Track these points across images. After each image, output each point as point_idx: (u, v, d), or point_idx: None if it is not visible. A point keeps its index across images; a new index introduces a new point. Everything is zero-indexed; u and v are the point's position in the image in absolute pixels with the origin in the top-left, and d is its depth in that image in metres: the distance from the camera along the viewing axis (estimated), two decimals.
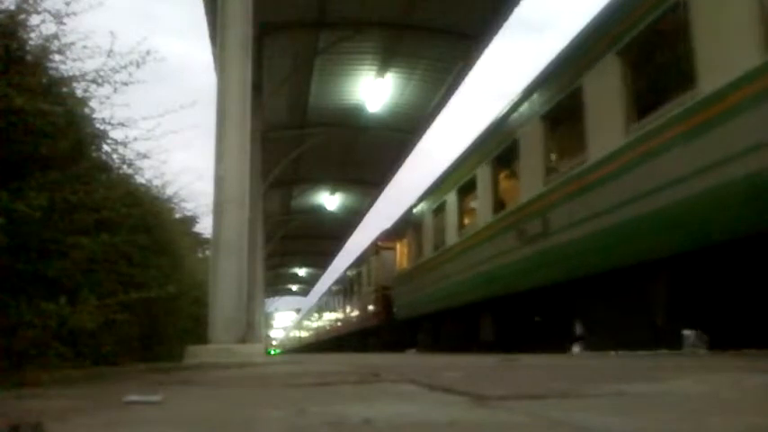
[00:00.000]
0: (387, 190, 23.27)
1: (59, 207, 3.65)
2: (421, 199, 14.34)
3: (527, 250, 8.15)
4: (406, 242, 15.69)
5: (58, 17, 3.85)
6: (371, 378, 3.13)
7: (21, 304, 3.44)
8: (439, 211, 12.82)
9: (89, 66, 4.11)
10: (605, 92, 6.44)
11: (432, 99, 16.16)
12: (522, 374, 3.36)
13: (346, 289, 25.07)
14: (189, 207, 8.22)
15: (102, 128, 4.51)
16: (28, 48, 3.81)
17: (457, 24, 12.86)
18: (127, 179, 5.50)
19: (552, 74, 7.84)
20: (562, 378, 2.91)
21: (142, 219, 5.43)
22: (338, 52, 13.83)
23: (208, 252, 8.53)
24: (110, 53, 4.16)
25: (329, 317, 30.98)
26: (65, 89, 4.12)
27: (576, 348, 8.41)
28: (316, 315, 37.98)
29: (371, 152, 19.70)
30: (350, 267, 24.69)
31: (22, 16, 3.71)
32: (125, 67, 4.23)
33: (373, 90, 15.43)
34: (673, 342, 5.72)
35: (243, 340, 6.38)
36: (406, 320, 15.29)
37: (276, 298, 55.09)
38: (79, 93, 4.25)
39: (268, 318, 50.95)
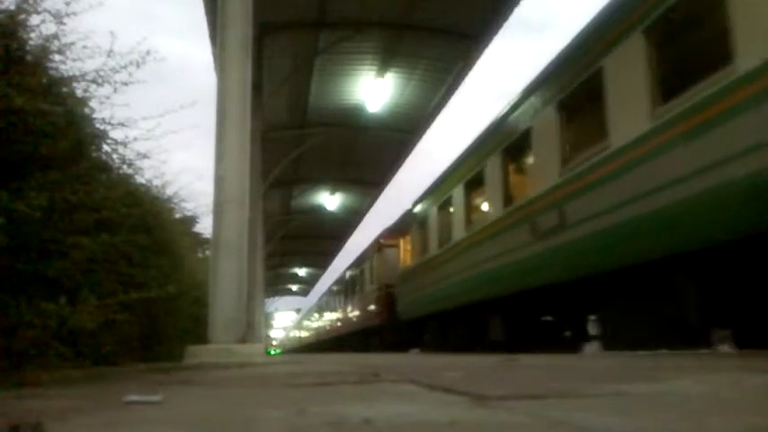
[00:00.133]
0: (387, 190, 23.29)
1: (59, 207, 3.65)
2: (425, 194, 13.90)
3: (540, 245, 7.73)
4: (410, 239, 15.28)
5: (58, 17, 3.86)
6: (372, 378, 3.13)
7: (21, 304, 3.45)
8: (445, 206, 12.33)
9: (89, 66, 4.12)
10: (629, 73, 6.02)
11: (432, 99, 16.17)
12: (522, 374, 3.36)
13: (347, 288, 24.75)
14: (189, 207, 8.24)
15: (102, 128, 4.52)
16: (28, 48, 3.81)
17: (457, 24, 12.87)
18: (127, 179, 5.50)
19: (569, 57, 7.35)
20: (562, 378, 2.91)
21: (142, 219, 5.43)
22: (338, 52, 13.83)
23: (208, 252, 8.54)
24: (110, 53, 4.17)
25: (330, 317, 30.71)
26: (65, 89, 4.12)
27: (590, 348, 8.28)
28: (316, 315, 37.88)
29: (371, 152, 19.70)
30: (351, 266, 24.37)
31: (22, 16, 3.71)
32: (125, 67, 4.24)
33: (373, 90, 15.43)
34: (701, 341, 5.47)
35: (243, 340, 6.38)
36: (410, 320, 14.91)
37: (276, 298, 55.12)
38: (79, 93, 4.26)
39: (268, 318, 50.96)
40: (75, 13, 3.92)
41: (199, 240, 9.47)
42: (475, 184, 10.68)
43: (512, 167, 9.34)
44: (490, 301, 9.63)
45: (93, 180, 4.27)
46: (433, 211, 13.05)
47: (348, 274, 24.91)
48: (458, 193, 11.47)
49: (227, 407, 1.99)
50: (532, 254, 7.94)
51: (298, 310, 60.42)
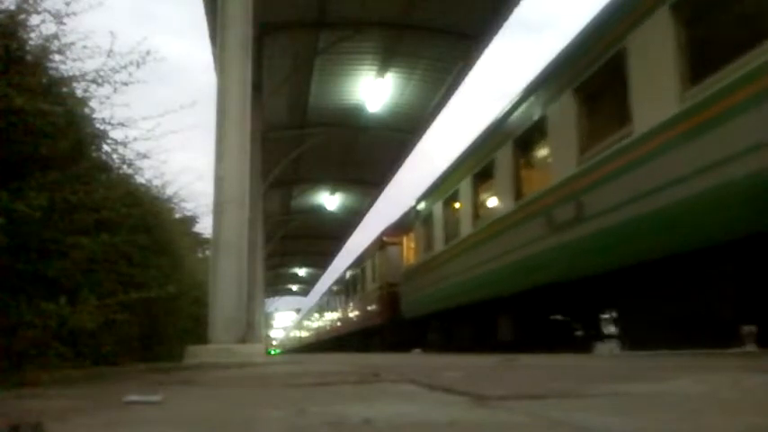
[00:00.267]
0: (387, 190, 23.30)
1: (59, 207, 3.65)
2: (430, 189, 13.41)
3: (555, 240, 7.32)
4: (414, 236, 14.77)
5: (58, 17, 3.86)
6: (372, 378, 3.13)
7: (21, 304, 3.45)
8: (451, 200, 11.84)
9: (89, 66, 4.12)
10: (655, 53, 5.63)
11: (432, 99, 16.17)
12: (522, 374, 3.36)
13: (348, 287, 24.44)
14: (189, 207, 8.25)
15: (102, 128, 4.52)
16: (28, 48, 3.81)
17: (457, 24, 12.87)
18: (127, 179, 5.50)
19: (588, 39, 6.91)
20: (562, 378, 2.91)
21: (142, 219, 5.43)
22: (338, 52, 13.83)
23: (208, 252, 8.54)
24: (110, 53, 4.17)
25: (330, 316, 30.52)
26: (65, 89, 4.12)
27: (604, 348, 8.10)
28: (316, 315, 37.81)
29: (371, 152, 19.71)
30: (352, 264, 24.06)
31: (22, 16, 3.71)
32: (125, 67, 4.24)
33: (373, 90, 15.43)
34: (731, 339, 5.17)
35: (243, 340, 6.39)
36: (414, 319, 14.47)
37: (276, 298, 55.13)
38: (79, 93, 4.26)
39: (268, 318, 50.98)
40: (75, 13, 3.92)
41: (199, 240, 9.48)
42: (483, 178, 10.24)
43: (524, 159, 8.87)
44: (499, 300, 9.28)
45: (93, 180, 4.27)
46: (439, 206, 12.61)
47: (349, 272, 24.63)
48: (465, 188, 11.00)
49: (228, 407, 1.99)
50: (546, 248, 7.54)
51: (298, 310, 60.45)
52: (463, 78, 14.98)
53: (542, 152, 8.17)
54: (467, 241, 10.72)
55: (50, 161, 3.71)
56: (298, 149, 17.98)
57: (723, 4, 5.24)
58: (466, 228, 10.85)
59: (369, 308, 20.04)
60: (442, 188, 12.46)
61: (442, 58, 14.20)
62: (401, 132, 18.15)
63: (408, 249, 15.61)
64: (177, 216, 8.06)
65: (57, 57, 3.97)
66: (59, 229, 3.75)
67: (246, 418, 1.70)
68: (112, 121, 4.47)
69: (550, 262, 7.50)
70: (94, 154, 4.66)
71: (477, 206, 10.64)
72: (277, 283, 45.41)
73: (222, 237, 6.60)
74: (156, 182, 6.78)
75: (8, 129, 3.40)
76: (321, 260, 37.40)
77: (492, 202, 10.05)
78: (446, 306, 11.81)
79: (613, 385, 2.25)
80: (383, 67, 14.64)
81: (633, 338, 6.59)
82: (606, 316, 7.92)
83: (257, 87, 11.34)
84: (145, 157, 5.09)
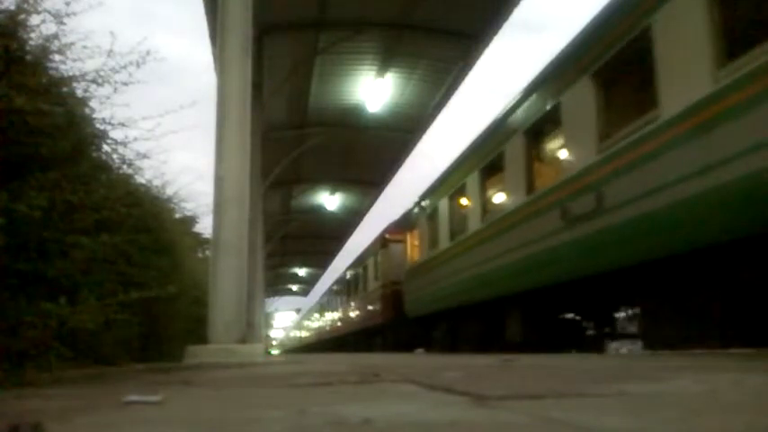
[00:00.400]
0: (387, 190, 23.29)
1: (59, 207, 3.65)
2: (435, 185, 13.07)
3: (571, 234, 6.94)
4: (418, 233, 14.48)
5: (58, 17, 3.86)
6: (372, 378, 3.13)
7: (21, 304, 3.45)
8: (457, 196, 11.51)
9: (89, 66, 4.12)
10: (685, 29, 5.23)
11: (432, 99, 16.17)
12: (522, 374, 3.36)
13: (350, 286, 24.18)
14: (189, 207, 8.26)
15: (102, 128, 4.52)
16: (28, 48, 3.81)
17: (457, 24, 12.86)
18: (127, 179, 5.51)
19: (609, 19, 6.50)
20: (562, 378, 2.91)
21: (142, 219, 5.43)
22: (338, 52, 13.83)
23: (208, 252, 8.54)
24: (110, 53, 4.17)
25: (331, 316, 30.35)
26: (65, 89, 4.13)
27: (621, 347, 7.84)
28: (317, 314, 37.73)
29: (371, 152, 19.70)
30: (354, 263, 23.80)
31: (22, 16, 3.72)
32: (125, 67, 4.24)
33: (373, 90, 15.42)
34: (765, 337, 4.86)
35: (243, 340, 6.38)
36: (417, 318, 14.23)
37: (276, 298, 55.13)
38: (79, 93, 4.26)
39: (268, 318, 50.98)
40: (75, 13, 3.92)
41: (199, 240, 9.48)
42: (492, 171, 9.86)
43: (536, 149, 8.48)
44: (508, 297, 8.96)
45: (93, 180, 4.27)
46: (444, 202, 12.27)
47: (350, 271, 24.39)
48: (472, 182, 10.60)
49: (228, 407, 1.99)
50: (561, 243, 7.16)
51: (298, 310, 60.45)
52: (463, 78, 14.97)
53: (556, 142, 7.77)
54: (474, 237, 10.36)
55: (50, 161, 3.71)
56: (298, 149, 17.97)
57: None
58: (473, 223, 10.50)
59: (371, 307, 19.72)
60: (448, 183, 12.11)
61: (442, 58, 14.19)
62: (401, 132, 18.14)
63: (412, 247, 15.31)
64: (177, 216, 8.07)
65: (57, 57, 3.97)
66: (59, 229, 3.75)
67: (246, 417, 1.70)
68: (112, 121, 4.47)
69: (565, 257, 7.15)
70: (94, 154, 4.67)
71: (486, 201, 10.29)
72: (277, 283, 45.40)
73: (222, 237, 6.60)
74: (157, 182, 6.81)
75: (8, 129, 3.40)
76: (321, 260, 37.39)
77: (501, 196, 9.71)
78: (452, 304, 11.49)
79: (613, 385, 2.25)
80: (383, 67, 14.64)
81: (657, 337, 6.25)
82: (622, 314, 7.67)
83: (257, 87, 11.33)
84: (145, 157, 5.09)
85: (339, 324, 27.23)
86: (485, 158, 10.08)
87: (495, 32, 12.99)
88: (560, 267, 7.28)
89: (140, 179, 6.04)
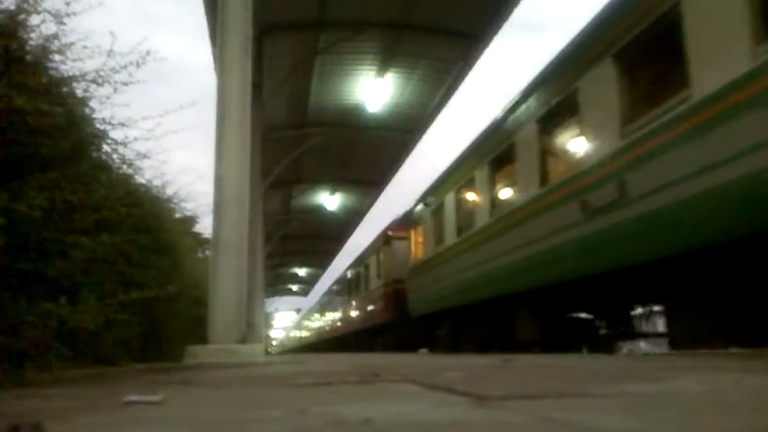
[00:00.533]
0: (387, 190, 23.30)
1: (59, 207, 3.65)
2: (441, 179, 12.61)
3: (589, 227, 6.57)
4: (422, 230, 14.03)
5: (58, 17, 3.86)
6: (372, 378, 3.13)
7: (21, 304, 3.45)
8: (465, 190, 11.07)
9: (89, 66, 4.13)
10: (721, 4, 4.95)
11: (432, 99, 16.18)
12: (522, 375, 3.35)
13: (351, 285, 23.87)
14: (189, 207, 8.27)
15: (102, 128, 4.52)
16: (28, 48, 3.82)
17: (457, 24, 12.87)
18: (127, 179, 5.51)
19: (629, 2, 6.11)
20: (563, 378, 2.91)
21: (142, 219, 5.44)
22: (338, 52, 13.84)
23: (208, 252, 8.55)
24: (110, 53, 4.17)
25: (332, 315, 30.13)
26: (65, 89, 4.13)
27: (637, 346, 7.62)
28: (317, 314, 37.63)
29: (371, 152, 19.71)
30: (355, 262, 23.49)
31: (22, 16, 3.72)
32: (125, 67, 4.24)
33: (373, 90, 15.43)
34: None
35: (243, 340, 6.38)
36: (421, 317, 13.79)
37: (276, 298, 55.16)
38: (79, 93, 4.26)
39: (268, 318, 51.00)
40: (75, 13, 3.92)
41: (199, 240, 9.49)
42: (502, 163, 9.42)
43: (550, 138, 8.03)
44: (518, 295, 8.58)
45: (93, 180, 4.28)
46: (451, 197, 11.80)
47: (352, 270, 24.13)
48: (481, 175, 10.15)
49: (228, 407, 1.99)
50: (579, 237, 6.79)
51: (298, 310, 60.46)
52: (463, 78, 14.99)
53: (573, 130, 7.36)
54: (482, 233, 9.92)
55: (50, 161, 3.72)
56: (298, 149, 17.98)
57: None
58: (481, 218, 10.07)
59: (373, 306, 19.36)
60: (454, 177, 11.69)
61: (442, 58, 14.20)
62: (401, 132, 18.15)
63: (416, 244, 14.81)
64: (177, 216, 8.08)
65: (57, 57, 3.98)
66: (59, 229, 3.75)
67: (246, 417, 1.70)
68: (112, 121, 4.47)
69: (583, 251, 6.77)
70: (94, 154, 4.67)
71: (495, 195, 9.85)
72: (277, 283, 45.42)
73: (222, 237, 6.60)
74: (157, 182, 6.82)
75: (8, 129, 3.41)
76: (321, 260, 37.41)
77: (512, 189, 9.28)
78: (457, 303, 11.13)
79: (614, 385, 2.25)
80: (383, 67, 14.64)
81: (685, 336, 5.90)
82: (639, 311, 7.38)
83: (257, 87, 11.34)
84: (145, 157, 5.10)
85: (340, 324, 27.06)
86: (494, 150, 9.64)
87: (495, 32, 13.01)
88: (577, 262, 6.88)
89: (140, 179, 6.05)
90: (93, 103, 4.37)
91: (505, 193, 9.72)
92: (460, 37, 13.27)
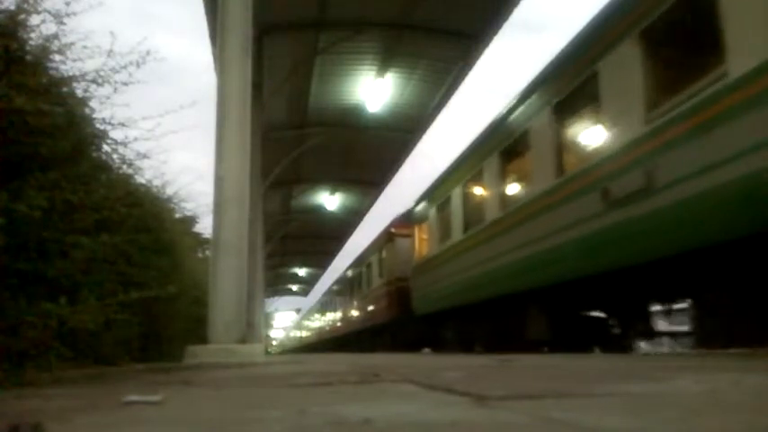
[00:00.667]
0: (387, 190, 23.30)
1: (59, 207, 3.65)
2: (446, 174, 12.16)
3: (611, 218, 6.19)
4: (427, 226, 13.64)
5: (58, 17, 3.86)
6: (372, 378, 3.13)
7: (21, 304, 3.45)
8: (472, 183, 10.64)
9: (89, 66, 4.13)
10: None
11: (432, 99, 16.18)
12: (522, 374, 3.35)
13: (353, 283, 23.57)
14: (189, 207, 8.27)
15: (102, 128, 4.52)
16: (28, 48, 3.82)
17: (457, 24, 12.87)
18: (127, 179, 5.51)
19: None
20: (562, 378, 2.91)
21: (142, 219, 5.44)
22: (338, 52, 13.84)
23: (208, 252, 8.55)
24: (110, 53, 4.17)
25: (333, 315, 29.92)
26: (65, 89, 4.13)
27: (655, 346, 7.40)
28: (318, 314, 37.53)
29: (371, 152, 19.71)
30: (357, 260, 23.19)
31: (22, 16, 3.72)
32: (125, 67, 4.24)
33: (373, 90, 15.43)
34: None
35: (243, 340, 6.38)
36: (426, 316, 13.47)
37: (276, 298, 55.17)
38: (79, 93, 4.26)
39: (268, 318, 51.00)
40: (75, 13, 3.92)
41: (199, 240, 9.49)
42: (514, 153, 9.01)
43: (566, 126, 7.57)
44: (529, 293, 8.23)
45: (93, 180, 4.28)
46: (458, 191, 11.37)
47: (354, 268, 23.90)
48: (490, 168, 9.67)
49: (227, 407, 1.99)
50: (601, 229, 6.37)
51: (298, 310, 60.47)
52: (463, 78, 14.99)
53: (593, 115, 6.93)
54: (491, 228, 9.50)
55: (50, 161, 3.72)
56: (298, 149, 17.98)
57: None
58: (491, 212, 9.62)
59: (375, 305, 19.01)
60: (462, 170, 11.26)
61: (442, 58, 14.20)
62: (401, 132, 18.15)
63: (420, 241, 14.44)
64: (177, 216, 8.08)
65: (57, 57, 3.98)
66: (59, 229, 3.76)
67: (246, 417, 1.70)
68: (112, 121, 4.47)
69: (604, 245, 6.38)
70: (94, 154, 4.67)
71: (506, 187, 9.38)
72: (277, 283, 45.42)
73: (222, 237, 6.60)
74: (157, 182, 6.82)
75: (8, 129, 3.41)
76: (321, 260, 37.41)
77: (525, 180, 8.78)
78: (465, 301, 10.73)
79: (613, 385, 2.25)
80: (383, 67, 14.64)
81: (715, 334, 5.57)
82: (658, 308, 7.04)
83: (257, 87, 11.34)
84: (145, 157, 5.10)
85: (341, 324, 26.88)
86: (505, 140, 9.16)
87: (495, 32, 13.01)
88: (598, 257, 6.49)
89: (140, 179, 6.05)
90: (93, 103, 4.38)
91: (517, 186, 9.27)
92: (460, 37, 13.27)
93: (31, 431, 1.38)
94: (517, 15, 12.43)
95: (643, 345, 7.60)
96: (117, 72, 4.21)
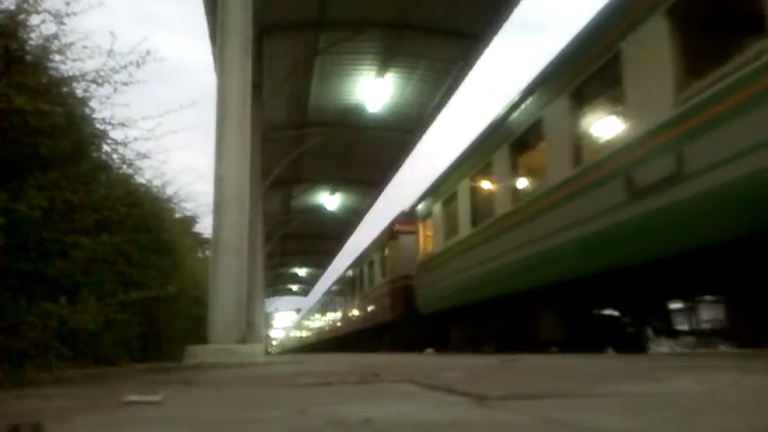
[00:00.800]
0: (387, 190, 23.30)
1: (59, 207, 3.65)
2: (453, 167, 11.76)
3: (639, 207, 5.77)
4: (432, 222, 13.26)
5: (58, 17, 3.86)
6: (372, 378, 3.13)
7: (21, 304, 3.45)
8: (481, 176, 10.27)
9: (89, 66, 4.13)
10: None
11: (432, 99, 16.19)
12: (522, 374, 3.35)
13: (355, 282, 23.20)
14: (189, 207, 8.27)
15: (102, 128, 4.52)
16: (28, 48, 3.82)
17: (457, 24, 12.88)
18: (127, 179, 5.51)
19: None
20: (562, 378, 2.91)
21: (142, 219, 5.44)
22: (338, 52, 13.84)
23: (208, 252, 8.55)
24: (110, 53, 4.17)
25: (334, 314, 29.68)
26: (65, 89, 4.13)
27: (675, 345, 7.14)
28: (318, 314, 37.45)
29: (371, 152, 19.72)
30: (358, 259, 22.91)
31: (22, 16, 3.72)
32: (125, 67, 4.24)
33: (373, 90, 15.44)
34: None
35: (243, 340, 6.39)
36: (431, 315, 13.12)
37: (276, 298, 55.17)
38: (79, 93, 4.26)
39: (268, 318, 51.00)
40: (75, 13, 3.92)
41: (199, 240, 9.49)
42: (526, 144, 8.65)
43: (585, 112, 7.17)
44: (542, 290, 7.83)
45: (93, 180, 4.28)
46: (465, 184, 10.98)
47: (355, 267, 23.58)
48: (500, 159, 9.26)
49: (227, 407, 1.99)
50: (626, 220, 5.97)
51: (298, 310, 60.47)
52: (463, 78, 15.00)
53: (614, 101, 6.55)
54: (502, 222, 9.13)
55: (50, 161, 3.72)
56: (298, 149, 17.99)
57: None
58: (501, 206, 9.22)
59: (378, 304, 18.62)
60: (469, 163, 10.88)
61: (442, 58, 14.21)
62: (401, 132, 18.16)
63: (425, 237, 14.00)
64: (177, 216, 8.08)
65: (57, 57, 3.98)
66: (59, 229, 3.76)
67: (246, 417, 1.70)
68: (112, 121, 4.48)
69: (627, 238, 5.99)
70: (94, 154, 4.67)
71: (517, 179, 9.01)
72: (277, 283, 45.43)
73: (222, 237, 6.60)
74: (157, 182, 6.82)
75: (8, 129, 3.41)
76: (321, 260, 37.42)
77: (538, 172, 8.34)
78: (473, 299, 10.35)
79: (613, 385, 2.25)
80: (383, 67, 14.65)
81: (751, 333, 5.22)
82: (679, 305, 6.77)
83: (257, 87, 11.34)
84: (145, 157, 5.10)
85: (342, 323, 26.79)
86: (517, 130, 8.75)
87: (495, 32, 13.01)
88: (619, 251, 6.12)
89: (140, 179, 6.05)
90: (93, 103, 4.38)
91: (530, 177, 8.89)
92: (460, 37, 13.28)
93: (31, 431, 1.38)
94: (517, 15, 12.45)
95: (660, 344, 7.34)
96: (117, 72, 4.22)
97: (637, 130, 5.94)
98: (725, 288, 5.71)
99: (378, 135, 18.38)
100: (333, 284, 30.98)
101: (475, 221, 10.50)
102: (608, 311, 7.91)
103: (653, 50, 5.67)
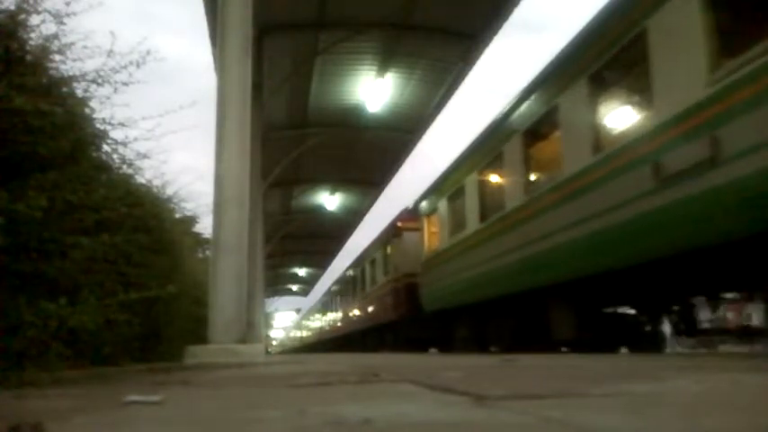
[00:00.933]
0: (387, 190, 23.31)
1: (59, 207, 3.65)
2: (459, 161, 11.36)
3: (667, 195, 5.33)
4: (437, 218, 12.90)
5: (58, 17, 3.86)
6: (372, 378, 3.13)
7: (21, 304, 3.45)
8: (490, 169, 9.92)
9: (89, 66, 4.13)
10: None
11: (432, 99, 16.20)
12: (522, 374, 3.35)
13: (357, 281, 22.87)
14: (189, 207, 8.26)
15: (102, 128, 4.52)
16: (28, 48, 3.82)
17: (457, 24, 12.88)
18: (127, 179, 5.51)
19: None
20: (562, 378, 2.91)
21: (142, 219, 5.43)
22: (338, 52, 13.85)
23: (208, 252, 8.54)
24: (110, 53, 4.17)
25: (335, 314, 29.46)
26: (65, 89, 4.13)
27: (697, 344, 6.88)
28: (319, 314, 37.36)
29: (371, 152, 19.73)
30: (359, 258, 22.58)
31: (22, 16, 3.72)
32: (125, 67, 4.24)
33: (373, 90, 15.45)
34: None
35: (243, 340, 6.38)
36: (437, 314, 12.78)
37: (276, 298, 55.18)
38: (79, 93, 4.26)
39: (268, 318, 51.00)
40: (75, 13, 3.92)
41: (199, 240, 9.48)
42: (539, 133, 8.25)
43: (605, 99, 6.80)
44: (555, 287, 7.49)
45: (93, 180, 4.27)
46: (473, 178, 10.58)
47: (356, 266, 23.27)
48: (511, 150, 8.87)
49: (227, 407, 1.99)
50: (654, 209, 5.53)
51: (298, 310, 60.46)
52: (463, 78, 15.01)
53: (637, 82, 6.14)
54: (512, 216, 8.74)
55: (50, 161, 3.71)
56: (298, 149, 18.00)
57: None
58: (513, 199, 8.81)
59: (381, 303, 18.27)
60: (477, 157, 10.50)
61: (442, 58, 14.21)
62: (401, 132, 18.17)
63: (430, 234, 13.62)
64: (177, 216, 8.07)
65: (57, 57, 3.98)
66: (59, 229, 3.75)
67: (246, 417, 1.70)
68: (112, 121, 4.47)
69: (654, 229, 5.55)
70: (94, 154, 4.66)
71: (529, 171, 8.61)
72: (277, 283, 45.44)
73: (222, 236, 6.60)
74: (157, 182, 6.81)
75: (8, 129, 3.40)
76: (321, 260, 37.44)
77: (553, 162, 7.89)
78: (481, 296, 9.98)
79: (614, 385, 2.25)
80: (383, 67, 14.65)
81: None
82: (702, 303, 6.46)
83: (257, 87, 11.33)
84: (145, 157, 5.10)
85: (342, 323, 26.66)
86: (529, 119, 8.33)
87: (495, 32, 13.02)
88: (646, 242, 5.69)
89: (140, 179, 6.05)
90: (93, 103, 4.38)
91: (544, 168, 8.48)
92: (460, 37, 13.28)
93: (31, 431, 1.37)
94: (517, 15, 12.46)
95: (681, 343, 7.10)
96: (117, 72, 4.22)
97: (663, 114, 5.53)
98: (757, 284, 5.34)
99: (378, 135, 18.39)
100: (333, 284, 30.84)
101: (483, 216, 10.12)
102: (623, 309, 7.63)
103: (681, 28, 5.27)
